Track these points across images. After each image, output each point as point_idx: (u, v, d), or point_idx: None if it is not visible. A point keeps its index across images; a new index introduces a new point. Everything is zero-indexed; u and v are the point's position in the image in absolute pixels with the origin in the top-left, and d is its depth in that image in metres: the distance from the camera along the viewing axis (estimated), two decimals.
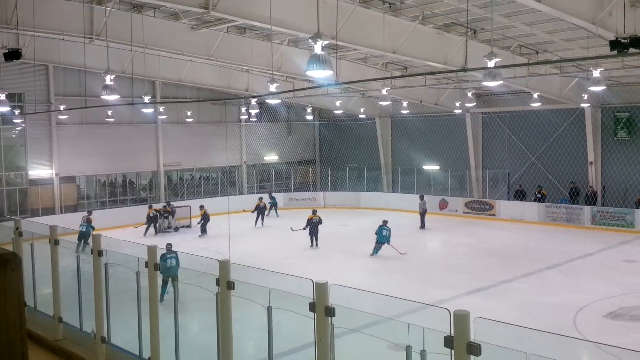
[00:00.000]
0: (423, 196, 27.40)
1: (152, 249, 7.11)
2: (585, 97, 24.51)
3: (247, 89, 29.24)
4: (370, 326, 8.57)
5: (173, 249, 14.34)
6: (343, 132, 36.97)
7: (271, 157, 36.30)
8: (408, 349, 6.26)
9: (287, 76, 24.89)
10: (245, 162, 35.17)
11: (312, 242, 21.95)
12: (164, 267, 11.66)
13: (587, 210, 25.24)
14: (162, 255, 12.33)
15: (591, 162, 27.03)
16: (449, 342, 4.57)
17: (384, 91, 23.21)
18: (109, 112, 26.75)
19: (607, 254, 20.03)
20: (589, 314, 13.08)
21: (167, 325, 7.35)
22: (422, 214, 26.47)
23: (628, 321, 12.69)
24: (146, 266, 7.13)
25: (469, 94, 26.29)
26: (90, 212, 23.83)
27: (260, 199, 28.23)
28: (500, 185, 30.53)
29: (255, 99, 28.10)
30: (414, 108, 30.64)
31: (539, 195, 27.35)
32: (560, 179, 27.90)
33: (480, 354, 4.51)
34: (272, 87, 23.20)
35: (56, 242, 8.68)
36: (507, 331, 6.86)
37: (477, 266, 18.33)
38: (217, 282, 6.38)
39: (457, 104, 28.81)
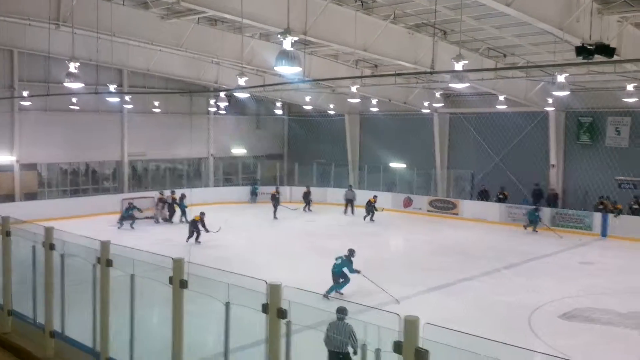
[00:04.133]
0: (351, 186, 30.82)
1: (105, 244, 7.04)
2: (550, 101, 25.04)
3: (217, 82, 28.99)
4: (326, 323, 8.66)
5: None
6: (312, 128, 37.01)
7: (239, 151, 36.11)
8: (363, 347, 6.36)
9: (257, 70, 24.77)
10: (212, 155, 34.91)
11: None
12: None
13: (547, 212, 25.83)
14: None
15: (553, 165, 27.65)
16: (397, 347, 4.59)
17: (354, 88, 23.32)
18: (74, 100, 26.23)
19: (564, 256, 20.54)
20: (544, 314, 13.41)
21: (126, 319, 7.29)
22: (349, 201, 28.83)
23: (581, 322, 13.04)
24: (99, 262, 7.05)
25: (437, 95, 26.59)
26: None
27: (277, 188, 29.25)
28: (464, 185, 31.01)
29: (225, 92, 27.91)
30: (383, 106, 30.84)
31: (501, 196, 27.87)
32: (522, 181, 28.48)
33: None
34: (242, 81, 23.13)
35: (7, 234, 8.49)
36: (458, 334, 7.00)
37: (438, 264, 18.60)
38: (170, 280, 6.34)
39: (426, 104, 29.12)
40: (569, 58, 16.10)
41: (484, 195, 28.88)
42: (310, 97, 31.21)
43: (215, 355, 6.75)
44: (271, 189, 30.01)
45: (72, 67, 14.80)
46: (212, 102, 32.16)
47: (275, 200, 28.05)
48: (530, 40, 19.00)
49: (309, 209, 29.81)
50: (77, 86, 15.58)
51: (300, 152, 37.02)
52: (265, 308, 5.52)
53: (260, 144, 37.13)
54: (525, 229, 24.98)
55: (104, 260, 7.12)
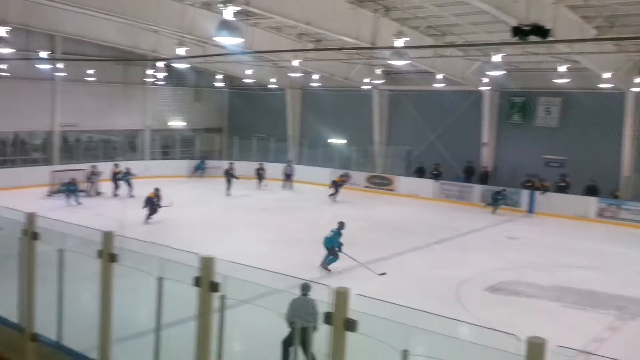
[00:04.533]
0: (290, 161, 31.53)
1: (30, 216, 6.84)
2: (486, 80, 25.75)
3: (155, 51, 28.18)
4: (263, 297, 8.76)
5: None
6: (253, 101, 36.65)
7: (177, 123, 35.40)
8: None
9: (197, 40, 24.22)
10: (149, 127, 34.09)
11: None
12: None
13: (478, 188, 26.79)
14: None
15: (486, 143, 28.58)
16: (328, 318, 4.72)
17: (296, 62, 23.25)
18: (3, 66, 24.92)
19: (492, 231, 21.43)
20: (471, 287, 14.00)
21: (55, 295, 7.15)
22: (288, 176, 29.50)
23: (506, 295, 13.70)
24: (24, 235, 6.86)
25: (378, 71, 26.86)
26: None
27: (231, 164, 28.45)
28: (401, 161, 31.61)
29: (164, 62, 27.22)
30: (325, 81, 30.89)
31: (435, 172, 28.64)
32: (456, 158, 29.32)
33: (356, 330, 4.71)
34: (181, 51, 22.60)
35: None
36: (388, 305, 7.24)
37: (372, 239, 19.03)
38: (100, 254, 6.24)
39: (366, 80, 29.37)
40: (505, 38, 16.55)
41: (420, 172, 29.58)
42: (251, 70, 30.84)
43: (147, 332, 6.73)
44: (219, 165, 29.69)
45: (2, 31, 14.11)
46: (149, 72, 31.27)
47: (229, 175, 27.44)
48: (469, 20, 19.41)
49: (261, 185, 29.46)
50: (6, 51, 14.89)
51: (240, 126, 36.66)
52: (197, 281, 5.51)
53: (199, 117, 36.52)
54: (485, 207, 25.15)
55: (30, 234, 6.92)
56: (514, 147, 27.93)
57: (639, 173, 24.76)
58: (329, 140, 33.50)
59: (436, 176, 28.52)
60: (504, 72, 22.02)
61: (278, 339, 8.52)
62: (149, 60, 30.20)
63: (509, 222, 23.12)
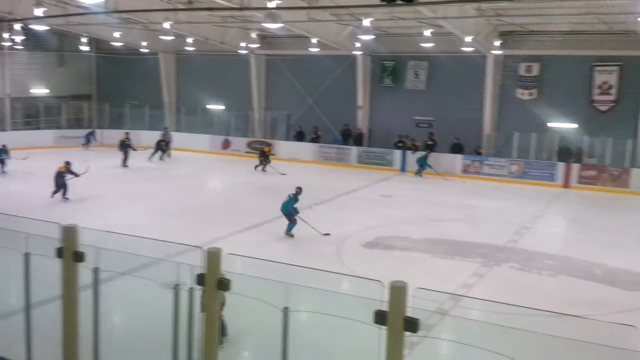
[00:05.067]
0: (167, 128, 30.75)
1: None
2: (358, 45, 26.38)
3: (11, 12, 25.78)
4: (144, 268, 8.61)
5: None
6: (123, 67, 34.85)
7: (40, 91, 32.92)
8: (176, 287, 6.48)
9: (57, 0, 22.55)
10: (8, 95, 31.41)
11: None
12: None
13: (354, 150, 27.75)
14: None
15: (360, 106, 29.52)
16: (200, 279, 4.80)
17: (167, 25, 22.39)
18: None
19: (369, 190, 22.38)
20: (350, 244, 14.62)
21: None
22: (166, 143, 28.10)
23: (382, 249, 14.45)
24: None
25: (253, 35, 26.60)
26: None
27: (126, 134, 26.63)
28: (281, 126, 31.86)
29: (20, 24, 25.00)
30: (200, 45, 30.09)
31: (314, 136, 29.21)
32: (333, 121, 30.06)
33: (229, 289, 4.84)
34: (39, 11, 20.93)
35: None
36: (272, 265, 7.43)
37: (254, 203, 19.19)
38: None
39: (243, 44, 28.98)
40: (373, 3, 17.00)
41: (299, 136, 30.00)
42: (120, 32, 29.25)
43: (16, 311, 6.42)
44: (78, 132, 28.00)
45: None
46: (5, 35, 28.65)
47: (125, 147, 25.77)
48: None
49: (163, 156, 27.86)
50: None
51: (111, 93, 34.83)
52: (59, 252, 5.29)
53: (64, 84, 34.20)
54: (416, 175, 25.40)
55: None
56: (386, 110, 29.10)
57: (498, 130, 26.87)
58: (207, 106, 32.87)
59: (315, 139, 29.09)
60: (374, 36, 22.73)
61: (161, 310, 8.45)
62: (4, 21, 27.63)
63: (384, 181, 24.23)
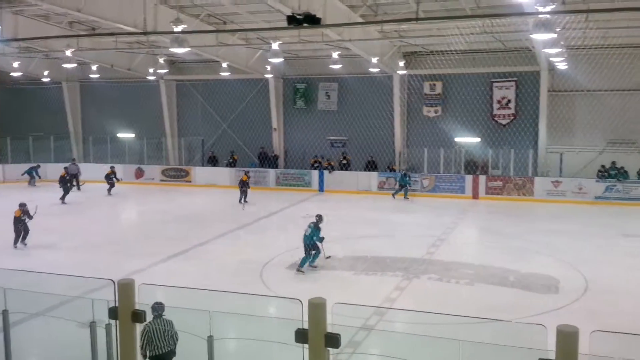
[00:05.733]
0: (74, 159, 29.77)
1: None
2: (269, 68, 26.57)
3: None
4: (59, 307, 8.17)
5: None
6: (24, 97, 33.23)
7: None
8: (92, 325, 6.18)
9: None
10: None
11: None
12: None
13: (272, 172, 27.79)
14: None
15: (275, 129, 29.68)
16: (112, 313, 4.63)
17: (69, 52, 21.65)
18: None
19: (289, 211, 22.43)
20: (272, 266, 14.54)
21: None
22: (73, 176, 26.66)
23: (306, 270, 14.44)
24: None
25: (161, 60, 26.18)
26: None
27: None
28: (196, 152, 31.42)
29: None
30: (106, 73, 29.25)
31: (231, 160, 29.01)
32: (249, 145, 30.03)
33: (143, 321, 4.69)
34: None
35: None
36: (198, 293, 7.26)
37: (174, 232, 18.70)
38: None
39: (151, 70, 28.44)
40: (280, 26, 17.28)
41: (213, 161, 29.69)
42: (19, 62, 27.88)
43: None
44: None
45: None
46: None
47: (65, 182, 24.41)
48: (247, 9, 19.83)
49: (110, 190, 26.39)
50: None
51: (11, 125, 32.94)
52: None
53: None
54: (394, 197, 24.76)
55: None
56: (301, 131, 29.44)
57: (409, 147, 27.80)
58: (118, 135, 31.87)
59: (232, 164, 28.88)
60: (284, 60, 23.02)
61: (79, 350, 8.04)
62: None
63: (303, 202, 24.37)
